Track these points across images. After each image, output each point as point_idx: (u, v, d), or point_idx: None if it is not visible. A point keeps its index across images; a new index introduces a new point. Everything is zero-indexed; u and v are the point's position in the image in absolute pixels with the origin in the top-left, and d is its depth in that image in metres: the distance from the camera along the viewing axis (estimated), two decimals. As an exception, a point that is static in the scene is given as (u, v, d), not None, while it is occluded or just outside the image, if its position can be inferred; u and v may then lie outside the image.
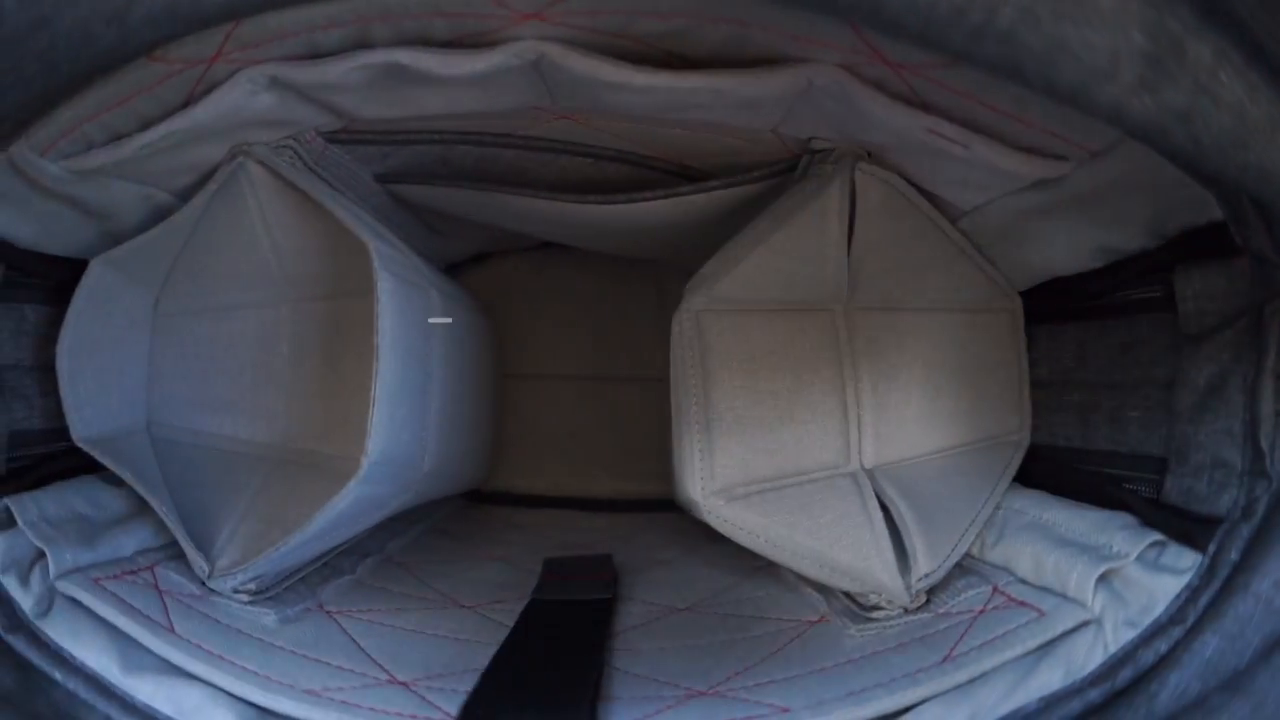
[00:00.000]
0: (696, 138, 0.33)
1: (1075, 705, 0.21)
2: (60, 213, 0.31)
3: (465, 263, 0.57)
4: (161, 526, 0.32)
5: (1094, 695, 0.21)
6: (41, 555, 0.27)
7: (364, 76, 0.28)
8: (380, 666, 0.28)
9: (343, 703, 0.25)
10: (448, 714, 0.25)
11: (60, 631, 0.26)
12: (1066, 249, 0.29)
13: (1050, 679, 0.22)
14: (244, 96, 0.29)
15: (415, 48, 0.27)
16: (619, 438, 0.56)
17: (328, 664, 0.28)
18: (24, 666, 0.25)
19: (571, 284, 0.57)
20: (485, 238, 0.52)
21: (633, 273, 0.56)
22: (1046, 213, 0.28)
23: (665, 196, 0.34)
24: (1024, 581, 0.26)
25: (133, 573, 0.29)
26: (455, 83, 0.28)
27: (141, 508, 0.33)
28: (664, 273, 0.56)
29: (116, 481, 0.33)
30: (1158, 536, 0.24)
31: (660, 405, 0.53)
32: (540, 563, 0.39)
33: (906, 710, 0.22)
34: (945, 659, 0.23)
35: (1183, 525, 0.24)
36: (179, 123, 0.29)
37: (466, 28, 0.27)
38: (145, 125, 0.29)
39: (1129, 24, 0.15)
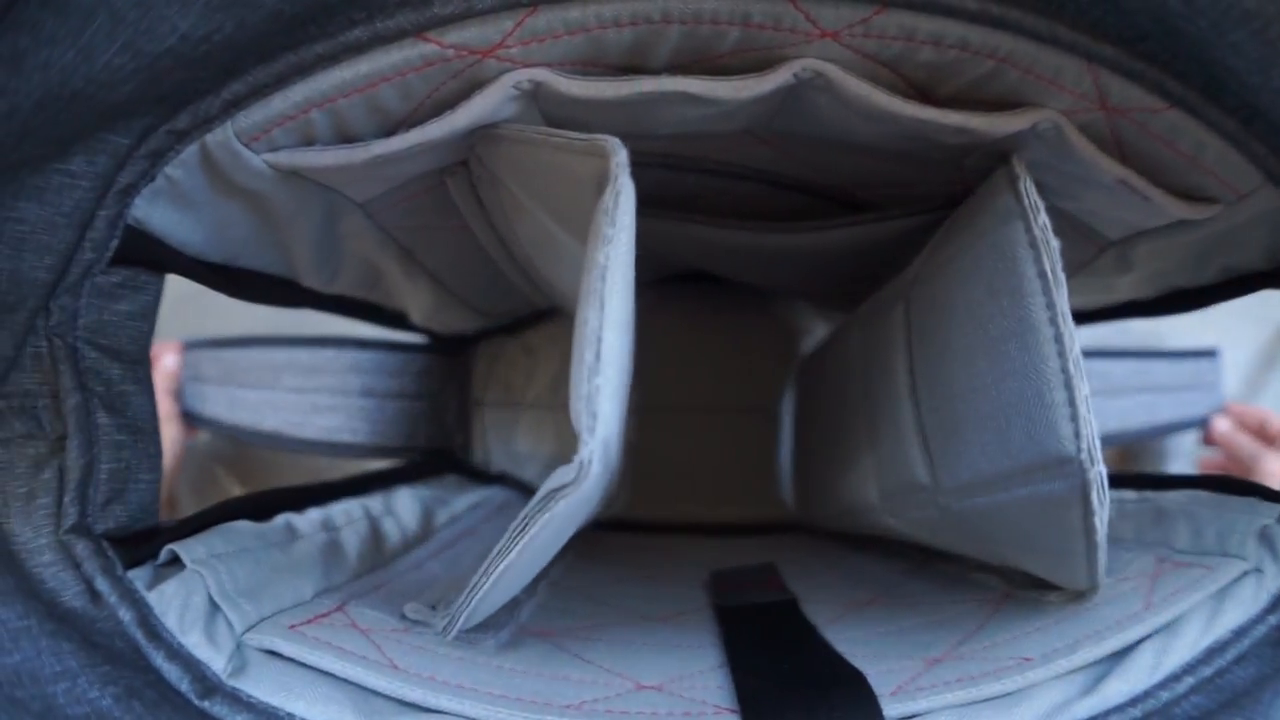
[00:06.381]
0: (880, 168, 0.34)
1: (1260, 629, 0.27)
2: (239, 217, 0.28)
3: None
4: (331, 566, 0.31)
5: (1273, 619, 0.28)
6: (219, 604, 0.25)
7: (639, 99, 0.26)
8: (621, 676, 0.28)
9: (608, 711, 0.24)
10: (718, 706, 0.25)
11: (267, 688, 0.23)
12: (1194, 270, 0.36)
13: (1234, 615, 0.28)
14: (499, 104, 0.25)
15: (704, 78, 0.25)
16: (741, 465, 0.58)
17: (568, 678, 0.27)
18: None
19: (693, 318, 0.59)
20: None
21: (750, 306, 0.59)
22: (1185, 244, 0.34)
23: (851, 225, 0.37)
24: (1182, 551, 0.32)
25: (324, 615, 0.27)
26: (730, 104, 0.26)
27: (305, 547, 0.31)
28: (782, 304, 0.58)
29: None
30: None
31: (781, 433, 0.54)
32: (691, 578, 0.42)
33: (1128, 649, 0.27)
34: (1145, 607, 0.29)
35: None
36: (434, 131, 0.26)
37: (760, 40, 0.25)
38: (378, 116, 0.25)
39: None
